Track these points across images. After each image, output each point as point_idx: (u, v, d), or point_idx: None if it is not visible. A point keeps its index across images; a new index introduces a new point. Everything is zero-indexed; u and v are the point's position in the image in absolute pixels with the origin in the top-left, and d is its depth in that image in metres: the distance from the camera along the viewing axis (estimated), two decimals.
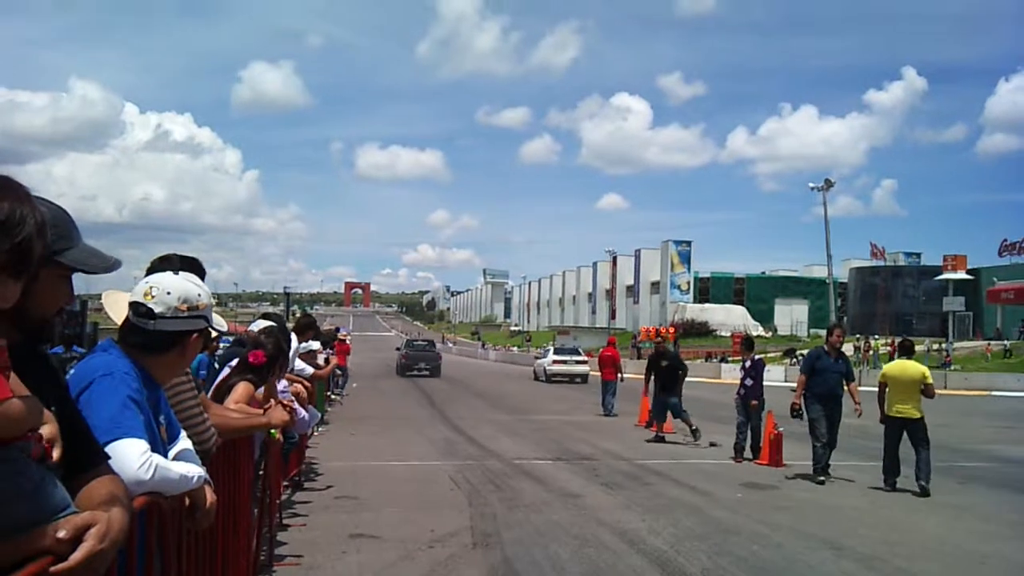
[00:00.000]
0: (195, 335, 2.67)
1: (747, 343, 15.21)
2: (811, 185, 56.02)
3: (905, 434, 10.90)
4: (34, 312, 1.89)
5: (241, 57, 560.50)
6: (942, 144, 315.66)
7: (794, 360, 62.62)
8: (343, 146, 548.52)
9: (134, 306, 2.59)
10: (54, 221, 1.94)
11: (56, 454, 1.77)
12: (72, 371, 2.59)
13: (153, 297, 2.58)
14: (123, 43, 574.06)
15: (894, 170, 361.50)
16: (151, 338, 2.59)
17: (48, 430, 1.75)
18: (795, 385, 12.35)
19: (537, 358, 47.82)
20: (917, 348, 12.87)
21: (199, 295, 2.66)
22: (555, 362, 39.81)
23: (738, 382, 14.57)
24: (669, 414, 16.42)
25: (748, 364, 14.27)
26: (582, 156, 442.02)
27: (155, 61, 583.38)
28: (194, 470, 2.53)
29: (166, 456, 2.62)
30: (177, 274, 2.68)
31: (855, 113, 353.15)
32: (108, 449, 2.24)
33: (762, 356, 18.82)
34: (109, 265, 2.08)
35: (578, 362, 39.87)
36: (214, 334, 3.04)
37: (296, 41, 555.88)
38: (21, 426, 1.64)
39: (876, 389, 11.35)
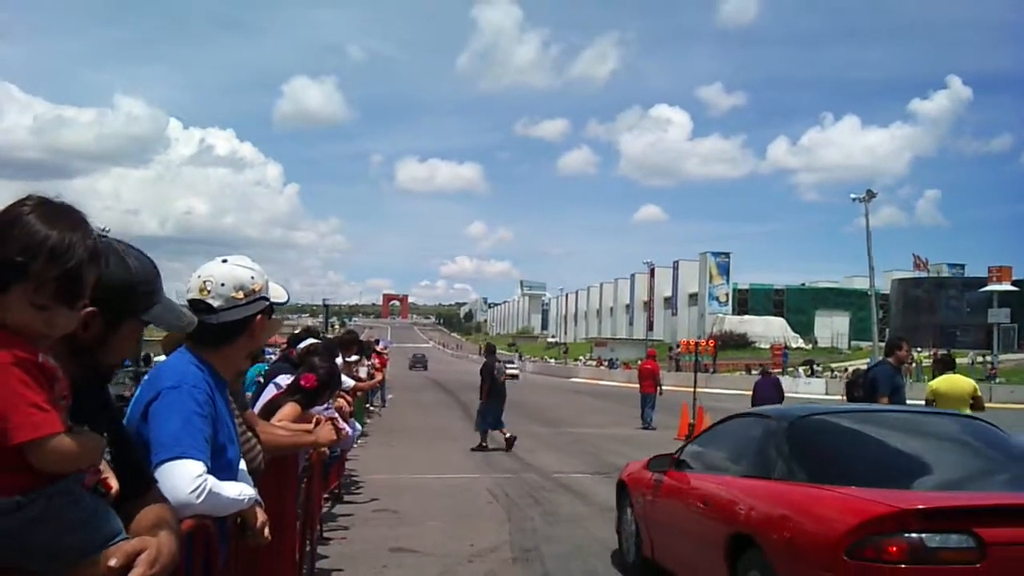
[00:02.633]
0: (258, 316, 2.70)
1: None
2: (853, 196, 55.37)
3: None
4: (107, 360, 1.94)
5: (282, 72, 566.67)
6: (987, 154, 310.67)
7: (811, 372, 61.99)
8: (383, 159, 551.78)
9: (193, 304, 2.61)
10: (144, 277, 2.00)
11: (114, 486, 1.82)
12: (146, 377, 2.66)
13: (209, 292, 2.60)
14: (167, 59, 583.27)
15: (938, 180, 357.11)
16: (216, 332, 2.63)
17: (103, 466, 1.80)
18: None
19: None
20: (961, 361, 12.43)
21: (252, 277, 2.68)
22: (508, 366, 53.61)
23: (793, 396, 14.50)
24: None
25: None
26: (620, 168, 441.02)
27: (198, 77, 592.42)
28: (246, 491, 2.56)
29: (239, 458, 2.69)
30: (225, 262, 2.71)
31: (899, 123, 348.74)
32: (164, 468, 2.29)
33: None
34: (185, 325, 2.14)
35: (512, 369, 51.25)
36: (280, 303, 3.05)
37: (337, 56, 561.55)
38: (78, 462, 1.68)
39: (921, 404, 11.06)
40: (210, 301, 2.61)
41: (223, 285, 2.62)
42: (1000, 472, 5.18)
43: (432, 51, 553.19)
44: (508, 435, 16.61)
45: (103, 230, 1.98)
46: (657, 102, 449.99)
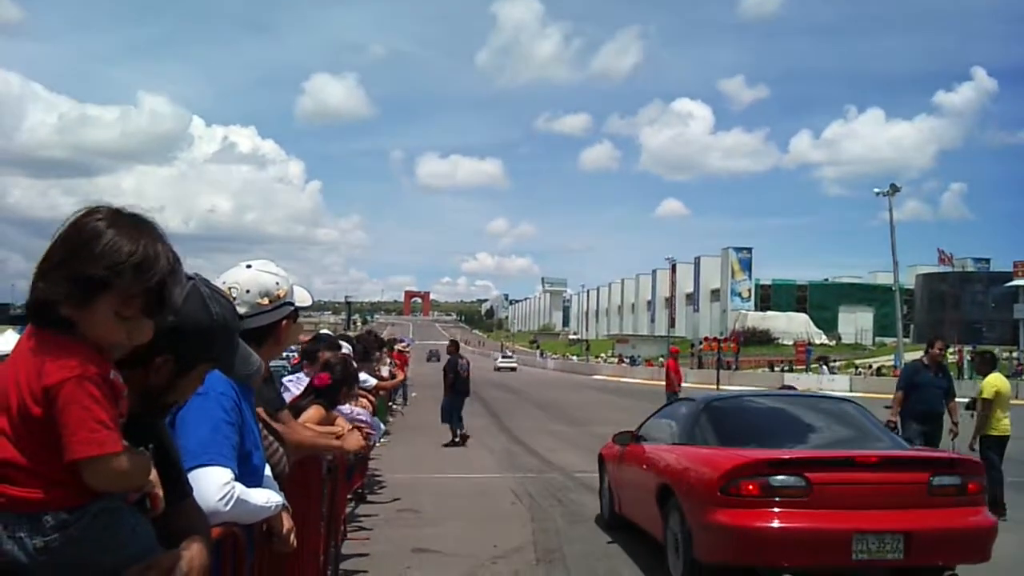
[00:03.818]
0: (283, 322, 2.70)
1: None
2: (876, 190, 54.95)
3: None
4: (169, 400, 1.93)
5: (304, 69, 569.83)
6: (1013, 146, 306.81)
7: (826, 368, 61.48)
8: (404, 156, 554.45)
9: None
10: (225, 324, 1.99)
11: (160, 503, 1.81)
12: None
13: (235, 299, 2.58)
14: (190, 57, 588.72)
15: (963, 173, 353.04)
16: (243, 338, 2.62)
17: (152, 474, 1.79)
18: (891, 401, 11.13)
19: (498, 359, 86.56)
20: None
21: (277, 283, 2.68)
22: (502, 359, 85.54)
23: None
24: None
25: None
26: (642, 162, 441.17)
27: (221, 74, 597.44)
28: (273, 498, 2.55)
29: (264, 463, 2.68)
30: (250, 267, 2.69)
31: (923, 115, 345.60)
32: (192, 475, 2.28)
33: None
34: (254, 372, 2.12)
35: (510, 363, 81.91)
36: (304, 307, 3.05)
37: (358, 53, 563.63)
38: (129, 484, 1.68)
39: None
40: (236, 308, 2.59)
41: (248, 292, 2.61)
42: (839, 436, 7.24)
43: (453, 47, 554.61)
44: (462, 434, 16.82)
45: (192, 276, 1.97)
46: (679, 96, 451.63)
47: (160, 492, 1.83)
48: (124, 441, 1.64)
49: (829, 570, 6.42)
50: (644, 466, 7.83)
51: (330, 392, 4.83)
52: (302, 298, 2.95)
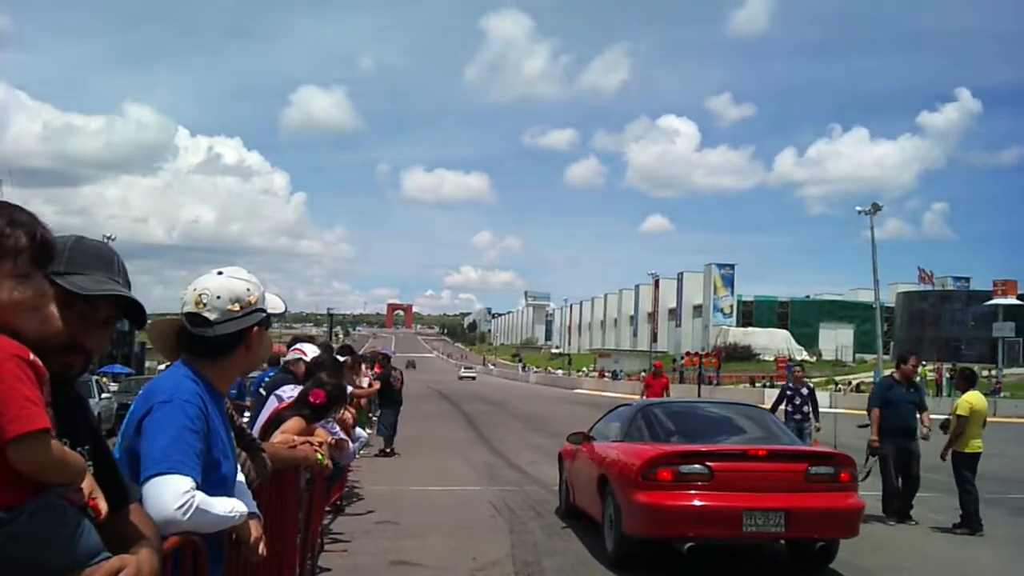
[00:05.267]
0: (254, 328, 2.67)
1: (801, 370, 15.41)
2: (858, 209, 55.37)
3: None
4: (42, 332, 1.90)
5: (291, 81, 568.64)
6: (995, 167, 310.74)
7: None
8: (389, 169, 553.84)
9: (190, 317, 2.59)
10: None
11: (103, 509, 1.80)
12: (141, 391, 2.64)
13: (205, 304, 2.57)
14: (176, 67, 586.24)
15: (945, 193, 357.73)
16: (213, 345, 2.60)
17: (88, 482, 1.78)
18: (866, 419, 11.21)
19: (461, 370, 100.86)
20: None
21: (248, 289, 2.64)
22: (464, 370, 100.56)
23: (783, 407, 14.51)
24: None
25: (805, 391, 14.24)
26: (628, 178, 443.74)
27: (207, 85, 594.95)
28: (238, 507, 2.52)
29: (235, 472, 2.67)
30: (221, 274, 2.68)
31: (907, 135, 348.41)
32: (151, 483, 2.27)
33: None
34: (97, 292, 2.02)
35: (470, 373, 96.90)
36: (277, 314, 3.02)
37: (345, 65, 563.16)
38: (63, 473, 1.67)
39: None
40: (206, 314, 2.57)
41: (219, 298, 2.60)
42: (743, 434, 8.75)
43: (441, 61, 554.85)
44: (390, 449, 16.79)
45: (108, 238, 1.97)
46: (665, 112, 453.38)
47: (101, 498, 1.82)
48: (59, 441, 1.63)
49: (726, 541, 7.98)
50: (591, 460, 9.22)
51: (322, 410, 4.87)
52: (274, 305, 2.94)
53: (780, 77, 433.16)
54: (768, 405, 14.14)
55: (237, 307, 2.61)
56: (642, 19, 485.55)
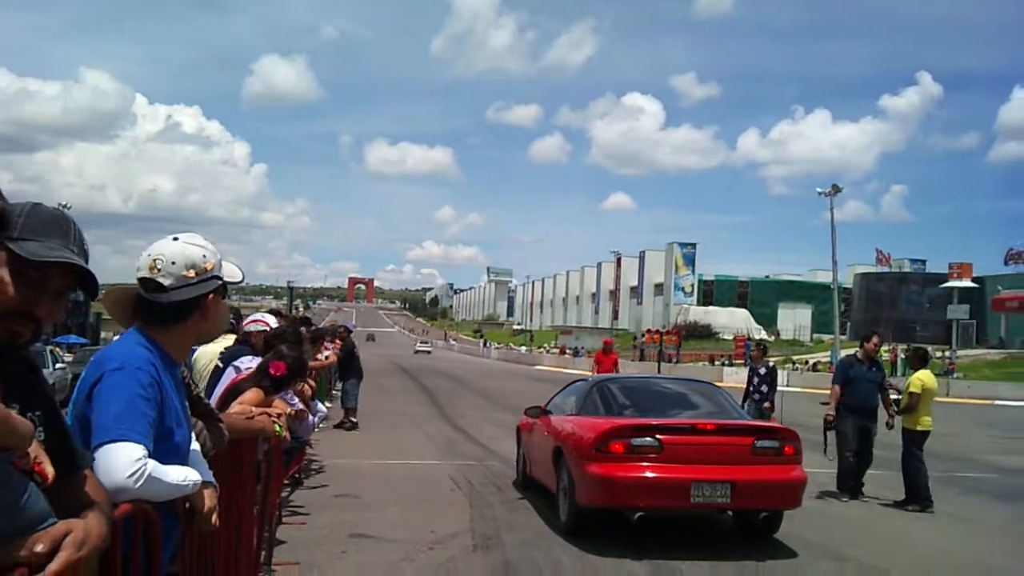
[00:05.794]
0: (210, 296, 2.63)
1: (763, 349, 15.31)
2: (819, 190, 55.97)
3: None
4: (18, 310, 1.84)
5: (252, 50, 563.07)
6: (954, 151, 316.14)
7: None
8: (352, 141, 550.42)
9: (143, 282, 2.55)
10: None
11: (50, 473, 1.75)
12: (93, 358, 2.58)
13: (159, 270, 2.53)
14: (134, 34, 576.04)
15: (905, 176, 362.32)
16: (166, 311, 2.56)
17: (34, 447, 1.73)
18: (827, 395, 11.47)
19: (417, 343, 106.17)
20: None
21: (204, 256, 2.60)
22: (420, 343, 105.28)
23: (744, 386, 14.67)
24: None
25: (763, 371, 14.30)
26: (592, 156, 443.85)
27: (165, 52, 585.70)
28: (191, 476, 2.49)
29: (189, 441, 2.63)
30: (177, 240, 2.62)
31: (869, 118, 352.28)
32: (102, 451, 2.22)
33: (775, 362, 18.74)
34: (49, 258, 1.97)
35: (426, 347, 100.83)
36: (233, 282, 2.96)
37: (308, 35, 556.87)
38: (9, 436, 1.61)
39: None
40: (160, 280, 2.53)
41: (174, 264, 2.54)
42: (694, 409, 9.02)
43: (406, 33, 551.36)
44: (355, 419, 16.83)
45: (64, 206, 1.92)
46: (630, 90, 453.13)
47: (47, 463, 1.77)
48: (7, 406, 1.57)
49: (674, 512, 8.21)
50: (547, 434, 9.44)
51: (282, 382, 4.81)
52: (231, 273, 2.89)
53: (745, 58, 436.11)
54: (728, 384, 14.34)
55: (192, 273, 2.56)
56: None
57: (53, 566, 1.63)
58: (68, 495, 1.85)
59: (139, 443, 2.29)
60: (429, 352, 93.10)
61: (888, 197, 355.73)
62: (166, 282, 2.53)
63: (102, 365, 2.44)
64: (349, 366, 16.86)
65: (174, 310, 2.57)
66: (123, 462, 2.22)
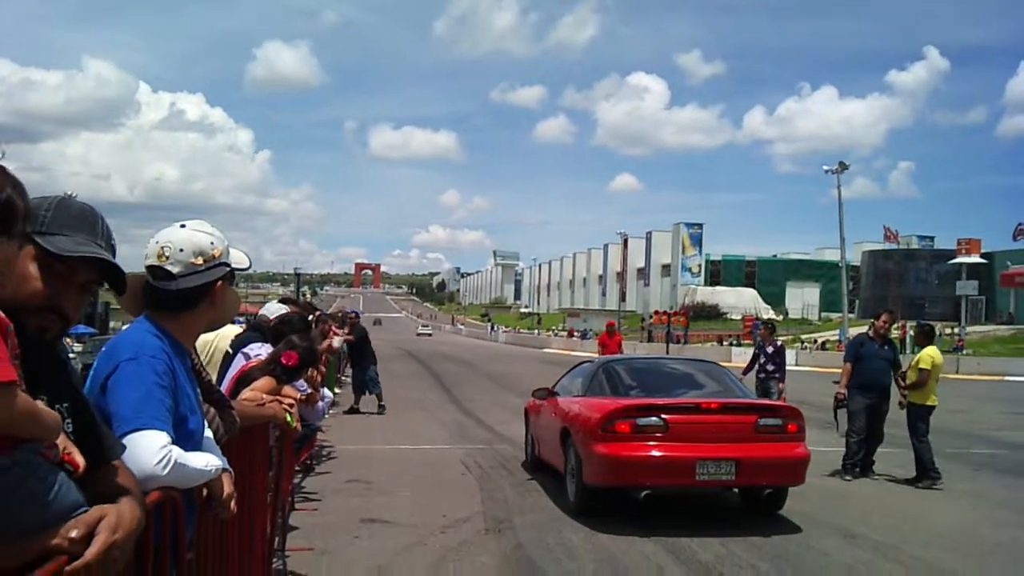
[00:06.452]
0: (218, 283, 2.64)
1: (771, 327, 15.27)
2: (826, 168, 55.80)
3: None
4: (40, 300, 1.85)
5: (254, 36, 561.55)
6: (962, 126, 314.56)
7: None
8: (356, 126, 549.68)
9: (151, 270, 2.56)
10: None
11: (80, 463, 1.76)
12: (103, 349, 2.59)
13: (167, 258, 2.54)
14: (137, 22, 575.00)
15: (912, 152, 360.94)
16: (175, 299, 2.57)
17: (62, 438, 1.74)
18: (840, 374, 11.48)
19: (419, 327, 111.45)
20: None
21: (212, 243, 2.61)
22: (421, 327, 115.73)
23: (749, 365, 14.70)
24: None
25: (771, 349, 14.27)
26: (597, 136, 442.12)
27: (168, 40, 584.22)
28: (213, 461, 2.51)
29: (203, 427, 2.64)
30: (184, 227, 2.63)
31: (876, 94, 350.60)
32: (127, 440, 2.23)
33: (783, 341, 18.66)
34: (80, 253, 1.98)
35: (426, 331, 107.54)
36: (241, 269, 2.96)
37: (310, 20, 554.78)
38: (33, 427, 1.62)
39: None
40: (168, 267, 2.53)
41: (182, 251, 2.55)
42: (699, 388, 9.09)
43: (409, 16, 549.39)
44: (383, 404, 17.07)
45: (70, 195, 1.93)
46: (635, 70, 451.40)
47: (77, 452, 1.79)
48: (23, 385, 1.58)
49: (680, 489, 8.46)
50: (554, 415, 9.57)
51: (294, 371, 4.84)
52: (239, 260, 2.89)
53: (750, 35, 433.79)
54: (735, 364, 14.34)
55: (200, 260, 2.57)
56: None
57: (92, 550, 1.64)
58: (100, 486, 1.85)
59: (162, 430, 2.31)
60: (430, 335, 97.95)
61: (895, 173, 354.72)
62: (174, 269, 2.54)
63: (115, 356, 2.45)
64: (363, 351, 16.90)
65: (183, 297, 2.58)
66: (150, 450, 2.24)
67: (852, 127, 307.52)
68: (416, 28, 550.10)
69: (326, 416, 13.41)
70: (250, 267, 3.13)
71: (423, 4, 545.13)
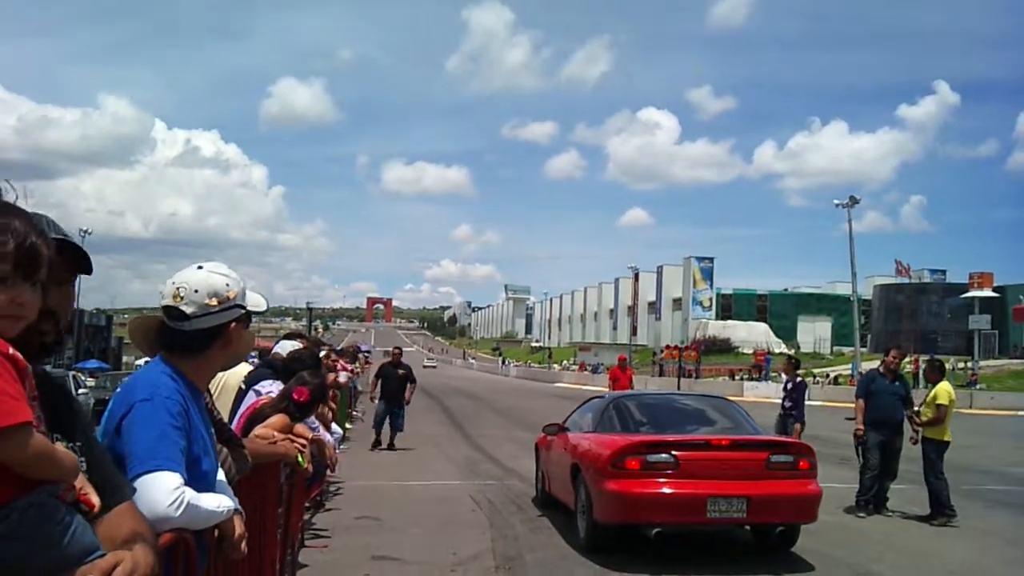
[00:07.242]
0: (233, 324, 2.64)
1: (794, 363, 14.88)
2: (836, 202, 55.87)
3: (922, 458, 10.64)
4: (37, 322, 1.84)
5: (269, 73, 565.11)
6: (973, 160, 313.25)
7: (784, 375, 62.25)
8: (369, 161, 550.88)
9: (167, 310, 2.57)
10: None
11: (96, 503, 1.78)
12: (118, 390, 2.60)
13: (183, 298, 2.55)
14: (153, 60, 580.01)
15: (923, 186, 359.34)
16: (190, 340, 2.58)
17: (79, 478, 1.76)
18: (851, 410, 11.44)
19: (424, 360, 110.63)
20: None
21: (227, 285, 2.61)
22: (427, 360, 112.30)
23: (763, 399, 14.53)
24: None
25: (790, 385, 14.01)
26: (608, 171, 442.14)
27: (184, 78, 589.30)
28: (224, 503, 2.52)
29: (216, 468, 2.64)
30: (201, 269, 2.65)
31: (886, 128, 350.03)
32: (141, 481, 2.24)
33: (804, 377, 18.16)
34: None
35: (431, 364, 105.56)
36: (258, 312, 2.95)
37: (325, 58, 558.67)
38: (51, 468, 1.64)
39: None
40: (183, 308, 2.55)
41: (196, 292, 2.57)
42: (709, 424, 9.08)
43: (421, 53, 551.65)
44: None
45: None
46: (646, 105, 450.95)
47: (92, 492, 1.80)
48: (42, 426, 1.61)
49: (691, 527, 8.24)
50: (564, 451, 9.54)
51: (305, 407, 4.86)
52: (256, 303, 2.91)
53: (760, 70, 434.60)
54: (747, 398, 14.15)
55: (215, 301, 2.58)
56: (622, 12, 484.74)
57: None
58: (112, 527, 1.86)
59: (175, 471, 2.32)
60: (435, 367, 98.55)
61: (907, 207, 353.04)
62: (188, 310, 2.55)
63: (130, 397, 2.46)
64: (401, 388, 17.05)
65: (197, 338, 2.59)
66: (163, 491, 2.25)
67: (863, 161, 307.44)
68: (429, 65, 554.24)
69: (338, 451, 13.35)
70: (267, 310, 3.13)
71: (436, 42, 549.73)
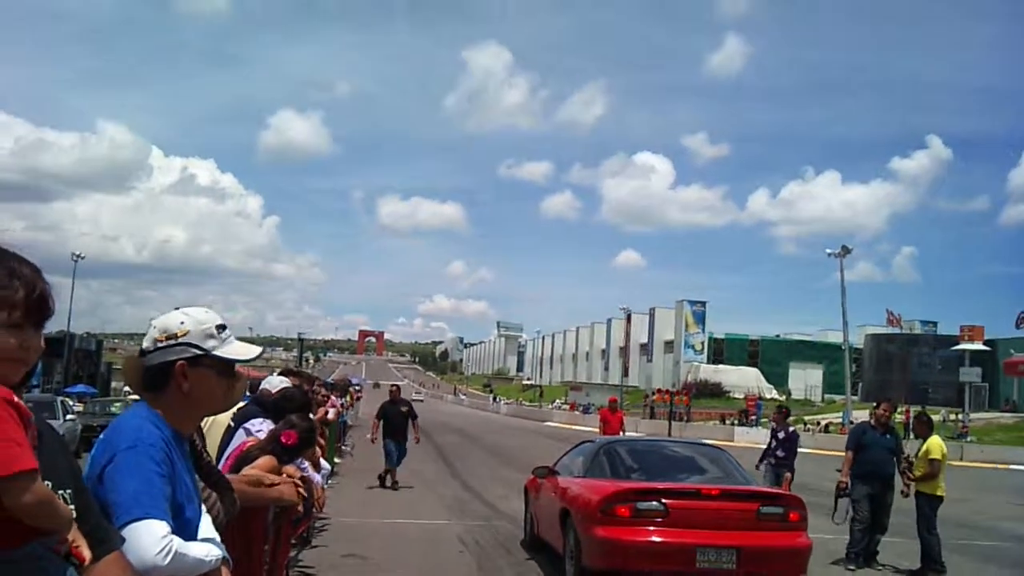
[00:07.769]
0: (180, 363, 2.51)
1: (783, 413, 14.81)
2: (828, 251, 56.06)
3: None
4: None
5: (267, 105, 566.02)
6: (965, 214, 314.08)
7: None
8: (364, 195, 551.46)
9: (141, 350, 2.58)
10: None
11: (87, 556, 1.75)
12: (101, 436, 2.55)
13: (146, 336, 2.56)
14: (152, 87, 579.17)
15: (915, 238, 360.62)
16: (150, 377, 2.53)
17: (73, 530, 1.74)
18: (843, 461, 11.23)
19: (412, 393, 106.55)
20: (933, 419, 12.19)
21: (181, 323, 2.54)
22: (415, 393, 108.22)
23: (754, 445, 14.46)
24: None
25: (783, 435, 13.94)
26: (602, 213, 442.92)
27: (182, 106, 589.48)
28: (212, 552, 2.48)
29: (199, 515, 2.59)
30: (177, 310, 2.61)
31: (879, 180, 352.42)
32: (127, 530, 2.20)
33: (796, 428, 17.99)
34: None
35: (418, 397, 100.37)
36: (239, 360, 2.75)
37: (324, 91, 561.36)
38: (55, 516, 1.63)
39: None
40: (144, 344, 2.56)
41: (154, 328, 2.56)
42: (700, 473, 9.03)
43: (420, 91, 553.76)
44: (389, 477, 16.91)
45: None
46: (641, 149, 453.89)
47: (84, 545, 1.77)
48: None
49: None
50: (554, 494, 9.57)
51: (293, 450, 4.81)
52: (238, 352, 2.72)
53: (755, 119, 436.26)
54: (738, 443, 14.11)
55: (163, 337, 2.55)
56: (620, 58, 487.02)
57: None
58: None
59: (163, 519, 2.27)
60: (421, 401, 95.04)
61: (898, 258, 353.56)
62: (145, 344, 2.55)
63: (113, 445, 2.40)
64: (405, 423, 16.97)
65: (151, 377, 2.55)
66: (151, 540, 2.20)
67: (855, 211, 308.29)
68: (427, 102, 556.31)
69: (326, 487, 13.23)
70: (253, 359, 2.97)
71: (435, 80, 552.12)
